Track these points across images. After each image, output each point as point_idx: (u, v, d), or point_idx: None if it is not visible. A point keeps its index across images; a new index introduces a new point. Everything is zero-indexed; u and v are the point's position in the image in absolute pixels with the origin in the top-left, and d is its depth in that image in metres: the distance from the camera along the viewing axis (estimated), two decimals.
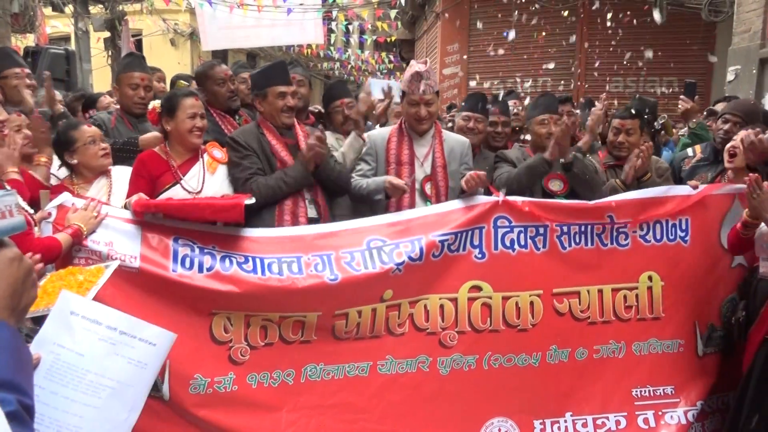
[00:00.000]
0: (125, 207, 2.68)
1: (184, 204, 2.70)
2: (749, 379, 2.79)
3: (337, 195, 3.20)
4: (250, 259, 2.66)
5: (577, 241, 3.00)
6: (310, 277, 2.64)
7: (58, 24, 14.58)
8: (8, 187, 2.41)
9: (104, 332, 1.21)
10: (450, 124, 5.09)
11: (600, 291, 3.02)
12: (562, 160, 3.24)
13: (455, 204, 2.97)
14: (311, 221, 2.98)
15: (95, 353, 1.19)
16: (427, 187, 3.16)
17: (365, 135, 3.39)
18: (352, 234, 2.82)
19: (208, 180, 2.99)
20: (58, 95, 4.76)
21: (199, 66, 4.10)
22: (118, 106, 4.54)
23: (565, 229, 2.98)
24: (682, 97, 4.54)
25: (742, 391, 2.83)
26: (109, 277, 2.43)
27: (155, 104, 3.02)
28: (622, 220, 3.04)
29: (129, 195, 2.86)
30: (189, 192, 2.92)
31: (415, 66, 3.14)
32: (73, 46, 12.35)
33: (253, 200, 2.70)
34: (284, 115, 3.03)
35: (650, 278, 3.07)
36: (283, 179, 2.90)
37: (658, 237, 3.07)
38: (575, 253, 2.99)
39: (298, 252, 2.72)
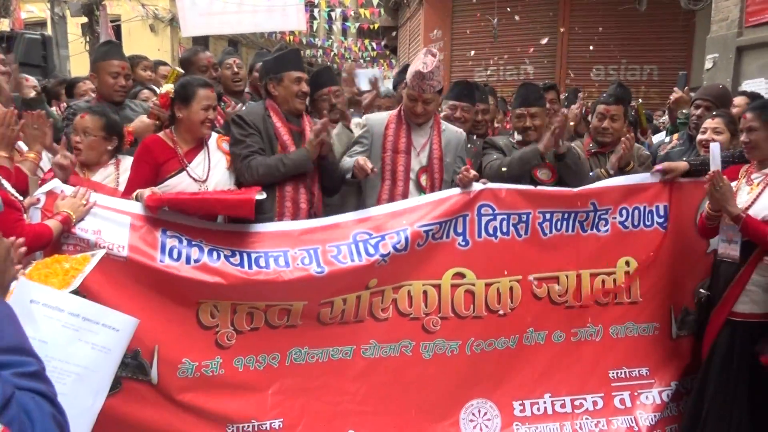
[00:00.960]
0: (136, 198, 2.67)
1: (195, 199, 2.69)
2: (711, 359, 2.87)
3: (330, 192, 3.17)
4: (237, 253, 2.68)
5: (558, 227, 3.07)
6: (296, 270, 2.68)
7: (33, 9, 14.28)
8: None
9: (67, 319, 1.22)
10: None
11: (578, 276, 3.09)
12: (554, 151, 3.24)
13: (440, 194, 3.00)
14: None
15: (59, 340, 1.19)
16: (423, 179, 3.14)
17: (362, 119, 3.37)
18: (339, 228, 2.85)
19: (213, 168, 2.96)
20: (34, 80, 4.70)
21: (185, 52, 4.11)
22: (94, 94, 4.50)
23: (547, 216, 3.04)
24: (675, 88, 4.65)
25: (704, 371, 2.90)
26: (98, 266, 2.45)
27: (169, 89, 2.96)
28: (603, 207, 3.10)
29: (131, 181, 2.83)
30: (195, 180, 2.88)
31: (420, 61, 3.07)
32: (49, 32, 12.10)
33: (263, 195, 2.71)
34: (298, 101, 3.05)
35: (627, 263, 3.14)
36: (282, 160, 2.89)
37: (636, 223, 3.14)
38: (555, 240, 3.06)
39: (285, 246, 2.74)
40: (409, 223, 2.86)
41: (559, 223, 3.07)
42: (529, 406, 3.05)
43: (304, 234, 2.80)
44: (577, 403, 3.11)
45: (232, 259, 2.65)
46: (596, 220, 3.11)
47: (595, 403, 3.11)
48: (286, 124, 3.03)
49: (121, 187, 2.89)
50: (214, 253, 2.64)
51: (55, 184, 2.59)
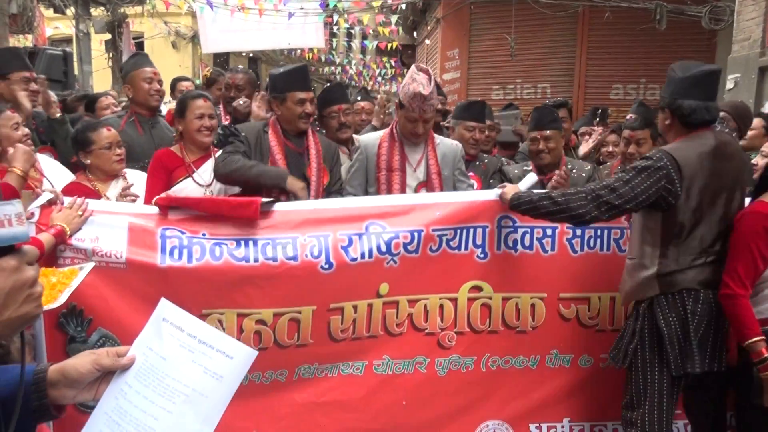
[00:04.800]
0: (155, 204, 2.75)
1: (203, 199, 2.80)
2: None
3: None
4: (242, 243, 2.61)
5: (591, 245, 2.91)
6: (304, 263, 2.61)
7: (60, 25, 14.62)
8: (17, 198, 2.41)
9: (185, 339, 1.24)
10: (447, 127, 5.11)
11: (612, 299, 2.92)
12: None
13: (458, 196, 2.93)
14: None
15: (175, 359, 1.23)
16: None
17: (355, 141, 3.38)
18: (352, 213, 2.76)
19: None
20: (52, 94, 4.75)
21: (229, 70, 4.36)
22: (118, 108, 4.55)
23: (578, 232, 2.90)
24: None
25: None
26: (97, 277, 2.44)
27: (171, 107, 3.26)
28: None
29: (149, 188, 3.01)
30: (200, 185, 3.07)
31: (417, 82, 3.01)
32: (74, 48, 12.36)
33: (268, 200, 2.70)
34: (301, 122, 3.04)
35: None
36: (259, 165, 2.93)
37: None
38: (587, 258, 2.90)
39: (295, 231, 2.66)
40: (424, 224, 2.75)
41: (591, 240, 2.91)
42: (546, 430, 2.94)
43: (316, 217, 2.72)
44: (596, 429, 2.98)
45: (236, 253, 2.59)
46: None
47: (615, 430, 2.98)
48: (284, 142, 3.02)
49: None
50: (217, 249, 2.58)
51: (49, 197, 2.57)
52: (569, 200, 2.49)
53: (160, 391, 1.20)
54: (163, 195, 2.72)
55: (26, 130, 3.02)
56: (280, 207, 2.75)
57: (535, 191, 2.68)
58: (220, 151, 3.09)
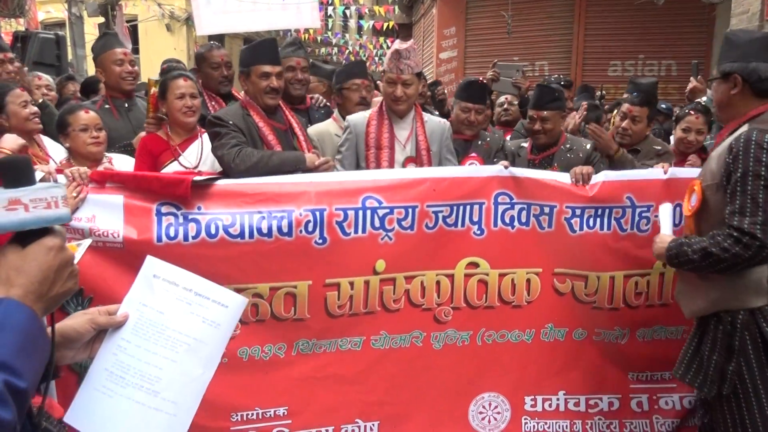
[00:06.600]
0: None
1: (135, 175, 2.74)
2: None
3: None
4: (237, 218, 2.60)
5: (591, 225, 2.87)
6: (298, 239, 2.63)
7: (52, 9, 14.48)
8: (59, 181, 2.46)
9: (181, 293, 1.33)
10: (441, 98, 5.11)
11: (612, 278, 2.90)
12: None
13: (454, 172, 2.91)
14: None
15: (173, 312, 1.31)
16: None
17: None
18: (349, 186, 2.75)
19: (206, 154, 3.04)
20: (48, 78, 4.70)
21: (200, 48, 4.13)
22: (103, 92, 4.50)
23: (577, 211, 2.86)
24: (691, 78, 4.58)
25: None
26: (96, 257, 2.45)
27: (155, 90, 3.15)
28: (644, 203, 2.88)
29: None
30: (186, 167, 3.00)
31: (396, 44, 3.08)
32: (67, 32, 12.23)
33: (201, 178, 2.66)
34: (267, 96, 2.91)
35: (665, 264, 2.82)
36: (275, 153, 2.85)
37: (677, 222, 2.85)
38: (587, 238, 2.87)
39: (291, 204, 2.66)
40: (418, 200, 2.75)
41: (591, 219, 2.86)
42: (541, 402, 2.97)
43: (313, 190, 2.70)
44: (592, 402, 3.01)
45: (231, 230, 2.59)
46: (636, 218, 2.89)
47: (611, 403, 3.01)
48: (268, 122, 2.96)
49: None
50: (212, 225, 2.59)
51: (41, 175, 2.54)
52: (716, 264, 2.11)
53: (162, 343, 1.29)
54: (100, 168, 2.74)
55: (35, 109, 3.05)
56: (276, 180, 2.72)
57: (677, 250, 2.32)
58: (214, 144, 2.95)
